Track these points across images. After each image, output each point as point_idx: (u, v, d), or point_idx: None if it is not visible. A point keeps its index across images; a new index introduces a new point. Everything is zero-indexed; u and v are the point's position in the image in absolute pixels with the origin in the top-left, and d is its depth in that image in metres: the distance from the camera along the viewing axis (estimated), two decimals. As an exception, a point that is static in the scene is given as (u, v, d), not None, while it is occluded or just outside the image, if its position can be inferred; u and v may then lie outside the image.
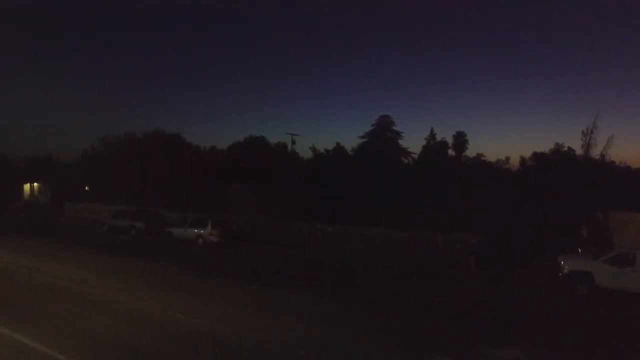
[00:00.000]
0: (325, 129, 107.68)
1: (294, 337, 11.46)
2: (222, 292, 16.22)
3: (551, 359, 10.70)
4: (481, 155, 55.19)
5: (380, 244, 24.83)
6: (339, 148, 52.94)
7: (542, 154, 54.92)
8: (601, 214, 26.37)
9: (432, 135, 70.27)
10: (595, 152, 44.35)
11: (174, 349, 10.23)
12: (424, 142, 67.52)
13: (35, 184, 58.86)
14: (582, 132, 42.42)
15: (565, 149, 49.84)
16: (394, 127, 65.04)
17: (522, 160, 56.71)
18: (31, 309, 13.02)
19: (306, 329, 12.25)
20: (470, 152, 69.33)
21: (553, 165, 45.80)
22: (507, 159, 57.94)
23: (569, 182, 33.61)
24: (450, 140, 70.14)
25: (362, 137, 59.96)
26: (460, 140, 73.20)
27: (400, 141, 63.69)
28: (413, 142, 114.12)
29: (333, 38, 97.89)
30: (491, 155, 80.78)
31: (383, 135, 63.35)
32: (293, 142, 50.13)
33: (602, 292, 15.95)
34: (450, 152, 69.66)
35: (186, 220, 28.44)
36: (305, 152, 55.17)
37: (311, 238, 27.44)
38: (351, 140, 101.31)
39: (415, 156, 66.17)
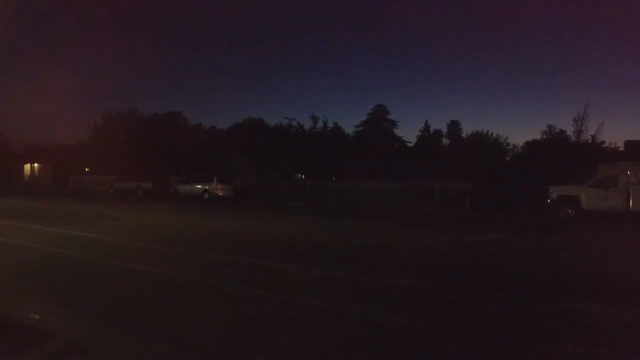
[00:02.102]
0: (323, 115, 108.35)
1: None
2: (230, 213, 17.50)
3: (529, 236, 12.19)
4: (477, 132, 55.27)
5: (379, 196, 25.97)
6: (337, 128, 54.23)
7: (534, 141, 56.50)
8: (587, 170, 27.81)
9: (427, 127, 71.82)
10: (586, 137, 45.88)
11: (189, 234, 11.37)
12: (419, 133, 68.75)
13: (35, 164, 59.46)
14: (574, 119, 43.96)
15: (557, 130, 51.39)
16: (389, 117, 66.45)
17: (514, 148, 58.33)
18: (59, 220, 13.88)
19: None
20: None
21: (545, 149, 47.33)
22: (500, 146, 59.23)
23: (560, 160, 35.02)
24: (444, 129, 71.32)
25: (357, 126, 61.40)
26: (455, 129, 74.53)
27: (395, 130, 65.13)
28: (408, 130, 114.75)
29: (330, 26, 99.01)
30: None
31: (379, 124, 64.78)
32: (290, 126, 51.36)
33: (588, 214, 17.24)
34: (445, 140, 71.07)
35: (191, 177, 29.38)
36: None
37: (312, 193, 28.49)
38: (348, 129, 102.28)
39: (411, 145, 67.60)
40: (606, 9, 68.05)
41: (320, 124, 51.49)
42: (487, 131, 53.89)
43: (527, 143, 56.69)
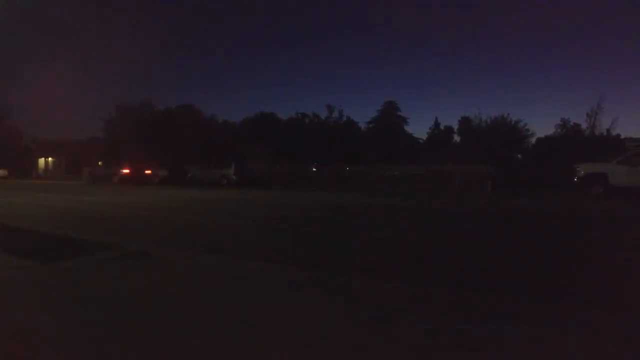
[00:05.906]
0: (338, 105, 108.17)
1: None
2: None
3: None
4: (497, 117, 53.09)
5: (398, 180, 25.79)
6: (350, 122, 54.24)
7: (546, 137, 56.03)
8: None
9: (437, 124, 71.61)
10: (601, 131, 45.47)
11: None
12: (429, 130, 68.59)
13: (49, 158, 59.90)
14: (587, 114, 43.71)
15: (572, 124, 51.12)
16: (400, 113, 66.32)
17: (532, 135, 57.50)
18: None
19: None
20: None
21: (559, 142, 46.99)
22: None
23: (576, 152, 34.72)
24: (455, 125, 70.93)
25: (369, 123, 61.40)
26: (466, 125, 74.09)
27: (406, 127, 65.03)
28: (419, 127, 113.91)
29: (342, 23, 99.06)
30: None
31: (389, 121, 64.76)
32: (304, 115, 51.29)
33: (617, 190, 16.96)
34: (456, 137, 70.75)
35: (209, 164, 29.39)
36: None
37: (329, 178, 28.32)
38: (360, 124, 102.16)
39: (422, 142, 67.45)
40: (622, 1, 67.53)
41: (336, 114, 51.25)
42: (507, 115, 51.49)
43: (540, 139, 56.33)
